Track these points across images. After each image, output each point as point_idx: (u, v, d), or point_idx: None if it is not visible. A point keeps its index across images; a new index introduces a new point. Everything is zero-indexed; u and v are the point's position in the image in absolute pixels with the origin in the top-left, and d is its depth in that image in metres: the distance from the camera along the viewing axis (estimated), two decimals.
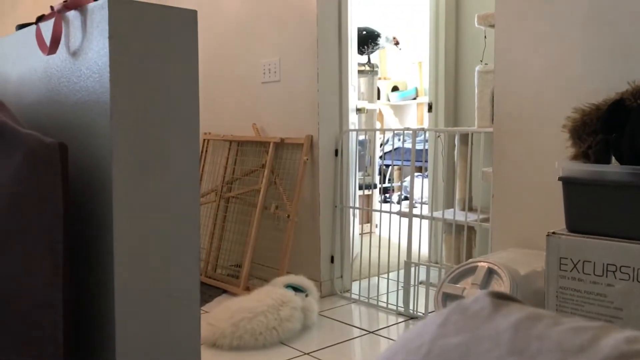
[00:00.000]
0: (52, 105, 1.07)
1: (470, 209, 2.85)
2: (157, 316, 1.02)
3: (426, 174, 3.48)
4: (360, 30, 4.37)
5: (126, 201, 0.97)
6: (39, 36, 1.05)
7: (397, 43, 4.63)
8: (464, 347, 0.30)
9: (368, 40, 4.38)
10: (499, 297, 0.35)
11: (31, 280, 0.88)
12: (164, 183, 1.02)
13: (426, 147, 3.44)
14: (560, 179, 1.58)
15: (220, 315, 2.22)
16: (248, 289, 2.69)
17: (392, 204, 5.01)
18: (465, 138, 2.80)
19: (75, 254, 0.98)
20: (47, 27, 1.03)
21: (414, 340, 0.32)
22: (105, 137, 0.96)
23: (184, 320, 1.07)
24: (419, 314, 2.52)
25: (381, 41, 4.44)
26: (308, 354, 2.14)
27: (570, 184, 1.57)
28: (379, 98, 5.39)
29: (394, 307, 2.60)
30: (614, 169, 1.50)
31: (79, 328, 0.99)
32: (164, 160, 1.02)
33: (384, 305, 2.64)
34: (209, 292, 2.82)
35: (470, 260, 1.87)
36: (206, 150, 3.27)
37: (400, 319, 2.53)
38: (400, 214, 2.68)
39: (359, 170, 3.42)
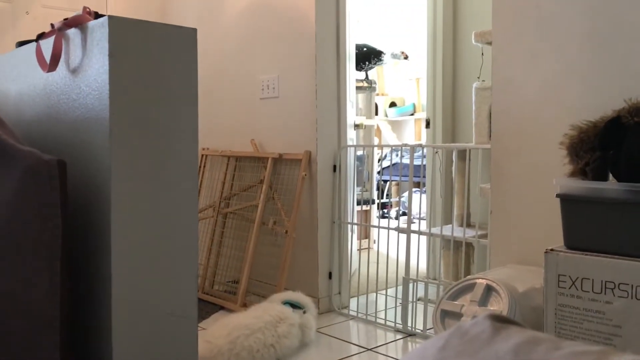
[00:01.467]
0: (52, 122, 1.07)
1: (469, 225, 2.85)
2: (155, 333, 1.01)
3: (424, 189, 3.48)
4: (360, 47, 4.40)
5: (125, 217, 0.97)
6: (39, 53, 1.06)
7: (406, 57, 4.66)
8: None
9: (370, 56, 4.40)
10: (499, 320, 0.34)
11: (30, 298, 0.88)
12: (162, 199, 1.02)
13: (424, 162, 3.45)
14: (558, 196, 1.59)
15: (217, 332, 2.21)
16: (245, 305, 2.68)
17: (390, 220, 5.01)
18: (463, 154, 2.81)
19: (73, 270, 0.97)
20: (47, 45, 1.04)
21: None
22: (104, 153, 0.96)
23: (182, 337, 1.06)
24: (417, 330, 2.51)
25: (386, 57, 4.47)
26: None
27: (568, 201, 1.57)
28: (376, 114, 5.42)
29: (392, 324, 2.59)
30: (611, 186, 1.50)
31: (76, 344, 0.99)
32: (163, 176, 1.02)
33: (382, 322, 2.63)
34: (206, 308, 2.81)
35: (469, 277, 1.86)
36: (204, 166, 3.27)
37: (399, 336, 2.51)
38: (399, 229, 2.67)
39: (357, 186, 3.43)
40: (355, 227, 2.94)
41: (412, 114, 5.78)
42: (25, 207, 0.90)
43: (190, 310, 1.10)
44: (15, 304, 0.89)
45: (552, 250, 1.57)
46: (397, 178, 5.15)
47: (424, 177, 3.40)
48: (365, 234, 4.00)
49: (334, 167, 2.82)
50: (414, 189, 4.29)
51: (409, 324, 2.53)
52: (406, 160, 4.95)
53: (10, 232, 0.90)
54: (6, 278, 0.90)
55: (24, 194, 0.91)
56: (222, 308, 2.82)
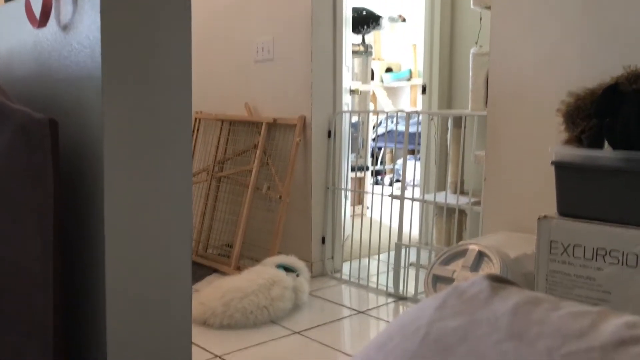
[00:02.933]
0: (42, 79, 1.05)
1: (462, 192, 2.86)
2: (149, 295, 1.02)
3: (418, 156, 3.48)
4: (358, 10, 4.32)
5: (117, 178, 0.96)
6: (29, 8, 1.03)
7: (404, 20, 4.60)
8: (462, 330, 0.30)
9: (369, 20, 4.34)
10: (497, 280, 0.34)
11: (22, 260, 0.88)
12: (155, 160, 1.01)
13: (419, 129, 3.44)
14: (552, 163, 1.59)
15: (211, 294, 2.23)
16: (239, 269, 2.70)
17: (384, 187, 5.02)
18: (458, 121, 2.79)
19: (65, 232, 0.97)
20: (36, 0, 1.01)
21: (411, 323, 0.32)
22: (97, 113, 0.95)
23: (176, 298, 1.07)
24: (408, 295, 2.54)
25: (384, 22, 4.41)
26: (299, 332, 2.16)
27: (562, 169, 1.57)
28: (372, 79, 5.37)
29: (384, 288, 2.61)
30: (606, 154, 1.50)
31: (70, 306, 0.99)
32: (156, 136, 1.01)
33: (374, 286, 2.66)
34: (200, 271, 2.83)
35: (461, 242, 1.88)
36: (198, 129, 3.25)
37: (390, 300, 2.54)
38: (392, 196, 2.68)
39: (352, 152, 3.41)
40: (349, 193, 2.94)
41: (408, 80, 5.73)
42: (16, 167, 0.89)
43: (184, 272, 1.10)
44: (7, 265, 0.89)
45: (545, 217, 1.58)
46: (392, 145, 5.14)
47: (419, 144, 3.40)
48: (358, 201, 4.01)
49: (329, 132, 2.81)
50: (408, 157, 4.30)
51: (401, 288, 2.56)
52: (401, 128, 4.93)
53: (2, 193, 0.89)
54: None
55: (14, 154, 0.89)
56: (215, 271, 2.84)
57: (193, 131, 3.23)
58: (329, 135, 2.81)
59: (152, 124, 0.98)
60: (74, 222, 0.99)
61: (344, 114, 2.85)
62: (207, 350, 1.99)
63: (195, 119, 3.24)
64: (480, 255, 1.74)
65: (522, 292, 0.32)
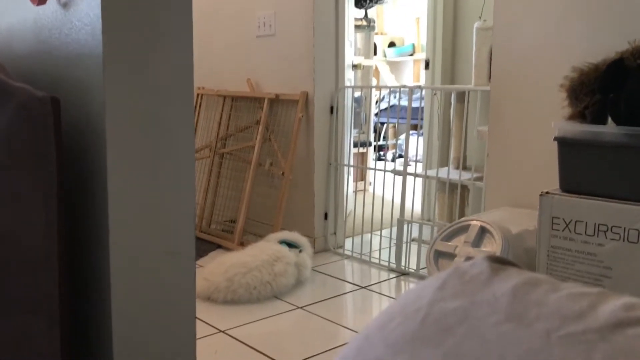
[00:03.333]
0: (43, 57, 1.05)
1: (465, 168, 2.86)
2: (153, 272, 1.02)
3: (421, 132, 3.47)
4: None
5: (120, 155, 0.97)
6: None
7: None
8: (462, 311, 0.30)
9: None
10: (497, 261, 0.35)
11: (27, 237, 0.88)
12: (158, 137, 1.01)
13: (422, 104, 3.42)
14: (555, 139, 1.58)
15: (215, 270, 2.25)
16: (242, 245, 2.71)
17: (387, 162, 5.01)
18: (461, 96, 2.78)
19: (69, 209, 0.97)
20: None
21: (412, 303, 0.32)
22: (98, 91, 0.95)
23: (180, 274, 1.08)
24: (410, 270, 2.55)
25: None
26: (301, 307, 2.18)
27: (565, 144, 1.57)
28: (375, 54, 5.32)
29: (386, 263, 2.63)
30: (609, 129, 1.50)
31: (73, 283, 1.00)
32: (158, 114, 1.00)
33: (376, 261, 2.68)
34: (204, 247, 2.84)
35: (463, 218, 1.89)
36: (199, 105, 3.24)
37: (392, 275, 2.56)
38: (394, 172, 2.68)
39: (354, 128, 3.41)
40: (351, 169, 2.95)
41: (411, 55, 5.68)
42: (18, 145, 0.89)
43: (188, 248, 1.11)
44: (12, 242, 0.90)
45: (547, 193, 1.58)
46: (395, 120, 5.12)
47: (422, 119, 3.38)
48: (361, 176, 4.01)
49: (331, 108, 2.80)
50: (411, 132, 4.28)
51: (403, 263, 2.58)
52: (404, 102, 4.90)
53: (5, 171, 0.90)
54: (2, 215, 0.90)
55: (17, 132, 0.89)
56: (219, 246, 2.86)
57: (195, 107, 3.23)
58: (332, 111, 2.80)
59: (154, 101, 0.98)
60: (77, 200, 1.00)
61: (346, 89, 2.83)
62: (211, 325, 2.01)
63: (197, 94, 3.23)
64: (482, 231, 1.75)
65: (522, 273, 0.33)
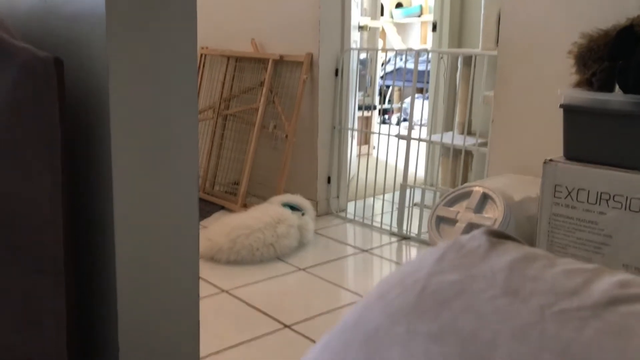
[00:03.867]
0: (46, 16, 1.04)
1: (469, 133, 2.84)
2: (157, 232, 1.04)
3: (427, 95, 3.44)
4: None
5: (123, 116, 0.96)
6: None
7: None
8: (459, 285, 0.31)
9: None
10: (496, 235, 0.35)
11: (32, 198, 0.89)
12: (161, 96, 1.01)
13: (428, 67, 3.38)
14: (561, 106, 1.57)
15: (218, 231, 2.27)
16: (245, 206, 2.73)
17: (391, 126, 4.99)
18: (468, 60, 2.74)
19: (73, 169, 0.98)
20: None
21: (411, 275, 0.33)
22: (102, 52, 0.94)
23: (184, 234, 1.09)
24: (412, 234, 2.57)
25: None
26: (303, 269, 2.21)
27: (571, 112, 1.56)
28: (382, 15, 5.24)
29: (388, 228, 2.65)
30: (617, 97, 1.48)
31: (78, 242, 1.01)
32: (161, 73, 1.00)
33: (378, 225, 2.70)
34: (207, 207, 2.86)
35: (466, 184, 1.89)
36: (203, 65, 3.21)
37: (394, 239, 2.58)
38: (399, 136, 2.67)
39: (359, 91, 3.38)
40: (355, 132, 2.93)
41: (418, 16, 5.59)
42: (22, 106, 0.89)
43: (191, 208, 1.11)
44: (18, 203, 0.90)
45: (550, 160, 1.58)
46: (400, 83, 5.07)
47: (428, 82, 3.35)
48: (365, 140, 4.00)
49: (336, 70, 2.77)
50: (416, 95, 4.26)
51: (405, 227, 2.60)
52: (410, 65, 4.85)
53: (9, 132, 0.90)
54: (6, 178, 0.91)
55: (20, 92, 0.89)
56: (222, 208, 2.88)
57: (198, 67, 3.20)
58: (336, 74, 2.77)
59: (157, 60, 0.97)
60: (81, 161, 1.00)
61: (352, 51, 2.80)
62: (214, 285, 2.04)
63: (201, 54, 3.20)
64: (485, 198, 1.76)
65: (520, 248, 0.33)
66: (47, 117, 0.88)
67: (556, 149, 1.62)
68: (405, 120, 5.08)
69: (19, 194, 0.89)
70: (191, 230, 1.09)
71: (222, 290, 2.01)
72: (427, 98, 3.39)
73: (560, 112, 1.58)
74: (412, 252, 2.51)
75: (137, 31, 0.93)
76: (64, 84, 0.91)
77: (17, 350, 0.91)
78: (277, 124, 2.82)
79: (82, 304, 1.01)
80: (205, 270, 2.15)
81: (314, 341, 1.69)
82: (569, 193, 1.55)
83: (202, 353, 1.15)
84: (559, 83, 1.82)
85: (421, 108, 3.10)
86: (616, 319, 0.27)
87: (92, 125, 0.96)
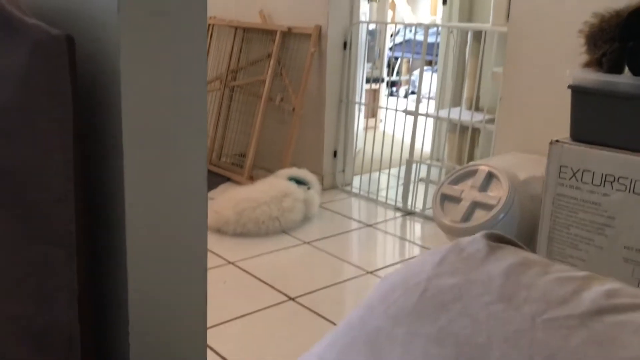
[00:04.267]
0: None
1: (477, 109, 2.84)
2: (166, 203, 1.06)
3: (435, 67, 3.42)
4: None
5: (134, 93, 0.98)
6: None
7: None
8: (458, 289, 0.32)
9: None
10: (496, 239, 0.36)
11: (44, 174, 0.91)
12: (171, 72, 1.02)
13: (438, 39, 3.35)
14: (569, 87, 1.57)
15: (225, 203, 2.30)
16: (252, 179, 2.75)
17: (399, 99, 4.97)
18: (478, 35, 2.72)
19: (84, 146, 0.99)
20: None
21: (413, 277, 0.34)
22: (113, 30, 0.95)
23: (192, 206, 1.11)
24: (416, 209, 2.59)
25: None
26: (308, 243, 2.24)
27: (579, 93, 1.56)
28: None
29: (393, 203, 2.67)
30: (625, 79, 1.48)
31: (90, 217, 1.03)
32: (171, 48, 1.01)
33: (383, 200, 2.72)
34: (214, 179, 2.89)
35: (471, 163, 1.90)
36: (211, 35, 3.20)
37: (398, 214, 2.61)
38: (406, 112, 2.67)
39: (368, 62, 3.36)
40: (362, 106, 2.93)
41: None
42: (35, 83, 0.91)
43: (200, 182, 1.13)
44: (31, 179, 0.93)
45: (557, 141, 1.58)
46: (409, 55, 5.03)
47: (437, 55, 3.32)
48: (372, 113, 3.99)
49: (345, 43, 2.75)
50: (425, 67, 4.23)
51: (409, 203, 2.62)
52: (420, 37, 4.79)
53: (22, 109, 0.91)
54: (19, 155, 0.92)
55: (32, 70, 0.91)
56: (229, 180, 2.90)
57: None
58: (345, 47, 2.76)
59: (167, 35, 0.97)
60: (92, 137, 1.02)
61: (361, 24, 2.77)
62: (220, 257, 2.08)
63: (209, 24, 3.18)
64: (490, 176, 1.77)
65: (517, 254, 0.34)
66: (59, 95, 0.89)
67: (563, 129, 1.62)
68: (413, 92, 5.05)
69: (32, 170, 0.91)
70: (200, 202, 1.11)
71: (229, 262, 2.04)
72: (436, 70, 3.37)
73: (568, 92, 1.58)
74: (416, 227, 2.53)
75: (149, 8, 0.93)
76: (76, 61, 0.92)
77: (31, 321, 0.94)
78: (284, 96, 2.82)
79: (94, 277, 1.04)
80: (212, 242, 2.18)
81: (317, 314, 1.73)
82: (574, 174, 1.56)
83: (208, 323, 1.18)
84: (569, 62, 1.81)
85: (430, 80, 3.09)
86: (602, 329, 0.29)
87: (102, 102, 0.97)
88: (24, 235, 0.92)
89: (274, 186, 2.35)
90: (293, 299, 1.81)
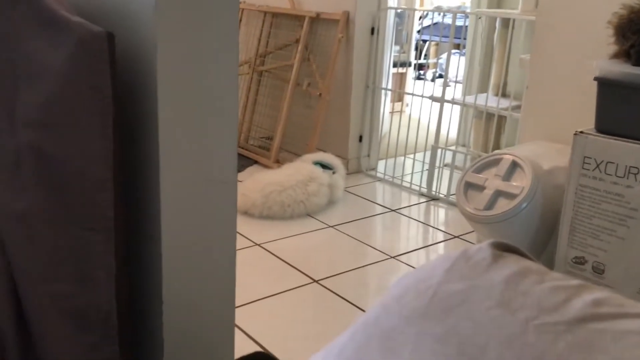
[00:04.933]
0: None
1: (504, 95, 2.83)
2: (198, 188, 1.11)
3: (463, 51, 3.40)
4: None
5: (169, 85, 1.02)
6: None
7: None
8: (463, 294, 0.36)
9: None
10: (500, 248, 0.40)
11: (85, 163, 0.97)
12: (204, 63, 1.06)
13: (466, 23, 3.33)
14: (595, 78, 1.57)
15: (252, 186, 2.35)
16: (278, 162, 2.80)
17: (426, 82, 4.95)
18: (506, 22, 2.70)
19: (123, 136, 1.05)
20: None
21: (424, 281, 0.38)
22: (150, 23, 0.99)
23: (223, 190, 1.16)
24: (440, 195, 2.62)
25: None
26: (332, 226, 2.29)
27: (605, 85, 1.56)
28: None
29: (417, 188, 2.70)
30: None
31: (127, 204, 1.09)
32: (205, 40, 1.05)
33: (408, 185, 2.74)
34: (241, 161, 2.95)
35: (496, 151, 1.91)
36: (240, 20, 3.23)
37: (422, 199, 2.63)
38: (432, 98, 2.68)
39: (395, 45, 3.36)
40: (388, 92, 2.95)
41: None
42: (77, 78, 0.96)
43: (230, 163, 1.18)
44: (72, 166, 0.98)
45: (581, 132, 1.59)
46: (437, 38, 5.00)
47: (465, 39, 3.31)
48: (398, 98, 4.00)
49: (372, 29, 2.76)
50: (453, 51, 4.20)
51: (434, 188, 2.64)
52: (448, 20, 4.75)
53: (65, 102, 0.97)
54: (62, 144, 0.98)
55: (76, 66, 0.96)
56: (256, 162, 2.96)
57: None
58: (372, 32, 2.77)
59: (202, 23, 1.02)
60: (129, 126, 1.07)
61: (389, 10, 2.78)
62: (247, 238, 2.14)
63: (239, 9, 3.21)
64: (514, 165, 1.78)
65: (519, 262, 0.38)
66: (100, 89, 0.95)
67: (589, 120, 1.63)
68: (440, 76, 5.02)
69: (73, 159, 0.97)
70: (230, 186, 1.16)
71: (255, 244, 2.10)
72: (464, 54, 3.35)
73: (595, 83, 1.58)
74: (440, 213, 2.56)
75: (186, 5, 0.97)
76: (115, 57, 0.97)
77: (72, 300, 1.01)
78: (311, 81, 2.85)
79: (130, 259, 1.10)
80: (239, 224, 2.23)
81: (341, 297, 1.78)
82: (598, 165, 1.57)
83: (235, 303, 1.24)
84: (597, 53, 1.81)
85: (457, 64, 3.08)
86: (585, 335, 0.32)
87: (140, 96, 1.02)
88: (65, 220, 0.98)
89: (300, 170, 2.39)
90: (317, 282, 1.86)
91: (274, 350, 1.50)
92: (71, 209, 1.00)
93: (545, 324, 0.33)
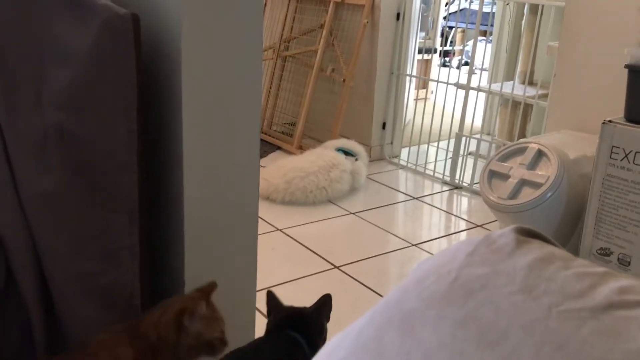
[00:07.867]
0: None
1: (531, 83, 2.78)
2: (221, 172, 1.12)
3: (490, 38, 3.35)
4: None
5: (194, 67, 1.03)
6: None
7: None
8: (485, 279, 0.35)
9: None
10: (524, 233, 0.39)
11: (109, 145, 0.98)
12: (228, 47, 1.06)
13: (494, 9, 3.28)
14: (626, 66, 1.53)
15: (274, 172, 2.36)
16: (301, 148, 2.80)
17: (451, 69, 4.89)
18: (535, 8, 2.65)
19: (147, 119, 1.05)
20: None
21: (445, 265, 0.38)
22: (175, 7, 1.00)
23: (245, 175, 1.17)
24: (464, 184, 2.59)
25: None
26: (354, 213, 2.28)
27: (635, 73, 1.52)
28: None
29: (440, 176, 2.67)
30: None
31: (151, 188, 1.10)
32: (229, 25, 1.05)
33: (431, 173, 2.72)
34: (264, 147, 2.95)
35: (522, 140, 1.89)
36: (265, 5, 3.22)
37: (445, 188, 2.61)
38: (457, 85, 2.65)
39: (421, 31, 3.32)
40: (413, 79, 2.92)
41: None
42: (102, 60, 0.96)
43: (252, 153, 1.18)
44: (97, 148, 0.99)
45: (610, 121, 1.56)
46: (464, 25, 4.92)
47: (492, 25, 3.25)
48: (423, 84, 3.96)
49: (398, 15, 2.73)
50: (479, 38, 4.13)
51: (457, 177, 2.61)
52: (475, 6, 4.67)
53: (90, 84, 0.97)
54: (87, 125, 0.99)
55: (101, 47, 0.96)
56: (279, 148, 2.96)
57: None
58: (398, 18, 2.74)
59: (226, 16, 1.02)
60: (153, 109, 1.08)
61: None
62: (269, 223, 2.15)
63: None
64: (539, 154, 1.76)
65: (543, 248, 0.37)
66: (124, 70, 0.95)
67: (618, 109, 1.59)
68: (466, 63, 4.95)
69: (98, 141, 0.98)
70: (252, 171, 1.17)
71: (277, 229, 2.11)
72: (490, 41, 3.30)
73: (625, 72, 1.55)
74: (463, 202, 2.54)
75: None
76: (140, 38, 0.98)
77: (97, 279, 1.02)
78: (335, 67, 2.84)
79: (154, 240, 1.12)
80: (261, 209, 2.23)
81: (361, 283, 1.78)
82: (626, 155, 1.54)
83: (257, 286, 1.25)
84: (627, 41, 1.76)
85: (483, 51, 3.03)
86: (610, 322, 0.31)
87: (164, 77, 1.03)
88: (90, 200, 1.00)
89: (322, 157, 2.39)
90: (338, 267, 1.87)
91: None
92: (96, 190, 1.01)
93: (570, 310, 0.33)
